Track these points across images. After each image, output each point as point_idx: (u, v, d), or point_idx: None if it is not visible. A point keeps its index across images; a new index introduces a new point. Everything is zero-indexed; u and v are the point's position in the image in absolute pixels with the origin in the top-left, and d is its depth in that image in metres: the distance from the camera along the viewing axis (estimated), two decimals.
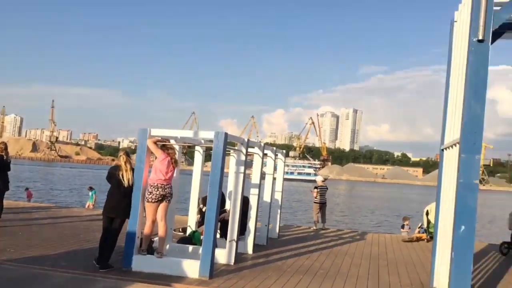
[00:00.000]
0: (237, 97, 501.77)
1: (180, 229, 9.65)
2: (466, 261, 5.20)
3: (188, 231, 8.70)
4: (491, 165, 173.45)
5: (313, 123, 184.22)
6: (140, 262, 6.52)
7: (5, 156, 9.41)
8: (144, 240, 6.74)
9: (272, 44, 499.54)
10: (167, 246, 7.28)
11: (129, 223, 6.60)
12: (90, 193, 18.66)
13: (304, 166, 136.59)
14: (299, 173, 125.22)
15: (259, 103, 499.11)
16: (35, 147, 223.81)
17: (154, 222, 6.67)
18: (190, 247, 7.59)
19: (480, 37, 5.16)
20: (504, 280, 7.40)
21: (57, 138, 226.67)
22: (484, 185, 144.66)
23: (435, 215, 7.07)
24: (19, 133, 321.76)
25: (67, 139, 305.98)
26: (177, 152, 7.19)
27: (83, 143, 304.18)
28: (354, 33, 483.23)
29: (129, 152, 7.22)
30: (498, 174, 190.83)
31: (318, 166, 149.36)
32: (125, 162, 6.70)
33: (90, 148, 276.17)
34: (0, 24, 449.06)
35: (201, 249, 6.61)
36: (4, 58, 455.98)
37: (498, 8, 5.32)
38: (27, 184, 32.46)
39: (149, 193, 6.56)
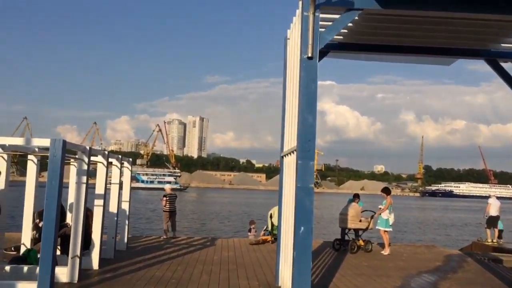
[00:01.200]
0: (76, 102, 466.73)
1: (13, 248, 8.59)
2: (306, 260, 5.67)
3: (22, 249, 7.80)
4: (323, 170, 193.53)
5: (160, 130, 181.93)
6: None
7: None
8: None
9: (114, 49, 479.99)
10: None
11: None
12: None
13: (164, 175, 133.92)
14: (159, 182, 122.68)
15: (102, 108, 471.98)
16: None
17: None
18: (25, 267, 6.84)
19: (309, 55, 5.72)
20: (338, 273, 8.31)
21: None
22: (318, 188, 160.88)
23: (278, 218, 7.59)
24: None
25: None
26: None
27: None
28: (198, 42, 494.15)
29: None
30: (329, 178, 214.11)
31: (179, 174, 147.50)
32: None
33: None
34: None
35: (38, 268, 5.98)
36: None
37: (323, 29, 5.99)
38: None
39: None
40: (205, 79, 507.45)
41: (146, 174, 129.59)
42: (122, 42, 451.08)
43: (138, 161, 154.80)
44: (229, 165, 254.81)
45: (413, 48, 7.89)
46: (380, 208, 11.29)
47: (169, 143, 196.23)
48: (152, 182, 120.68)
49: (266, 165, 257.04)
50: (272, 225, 12.02)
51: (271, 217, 12.26)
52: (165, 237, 12.40)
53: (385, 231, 11.16)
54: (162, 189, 14.11)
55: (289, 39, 7.41)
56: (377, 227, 11.38)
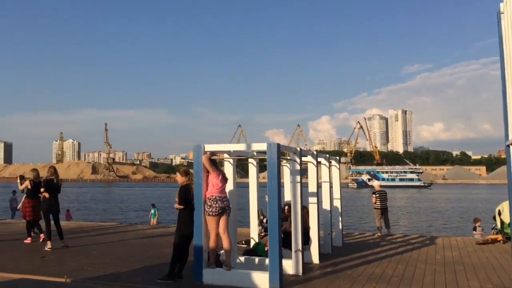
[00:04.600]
0: (281, 106, 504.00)
1: (243, 241, 9.68)
2: None
3: (251, 243, 8.71)
4: None
5: (361, 127, 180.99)
6: (210, 276, 6.59)
7: (55, 180, 9.95)
8: (211, 254, 6.80)
9: (311, 51, 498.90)
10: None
11: (195, 238, 6.69)
12: (152, 211, 19.07)
13: (405, 172, 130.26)
14: (401, 179, 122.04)
15: (303, 111, 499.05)
16: (94, 169, 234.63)
17: (217, 235, 6.73)
18: (256, 259, 7.59)
19: None
20: None
21: (113, 159, 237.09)
22: None
23: (510, 215, 6.62)
24: (78, 157, 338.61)
25: (123, 159, 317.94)
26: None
27: (138, 162, 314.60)
28: (394, 32, 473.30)
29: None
30: None
31: (421, 170, 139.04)
32: (193, 180, 6.87)
33: (145, 167, 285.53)
34: (48, 56, 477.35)
35: (267, 260, 6.58)
36: (55, 86, 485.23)
37: None
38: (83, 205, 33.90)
39: (209, 207, 6.64)
40: (404, 70, 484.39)
41: (386, 172, 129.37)
42: (313, 45, 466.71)
43: (342, 159, 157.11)
44: (440, 158, 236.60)
45: None
46: None
47: (371, 140, 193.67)
48: (393, 179, 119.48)
49: (485, 156, 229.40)
50: (502, 223, 10.61)
51: (499, 214, 10.84)
52: (379, 234, 12.21)
53: None
54: (404, 186, 13.78)
55: (502, 13, 6.42)
56: None
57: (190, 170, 7.25)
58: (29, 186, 10.71)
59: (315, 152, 8.74)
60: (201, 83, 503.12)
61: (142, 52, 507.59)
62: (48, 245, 9.52)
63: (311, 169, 8.48)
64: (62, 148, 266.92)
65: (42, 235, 10.61)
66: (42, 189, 9.75)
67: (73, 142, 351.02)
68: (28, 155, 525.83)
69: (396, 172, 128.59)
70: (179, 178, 7.03)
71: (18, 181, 11.54)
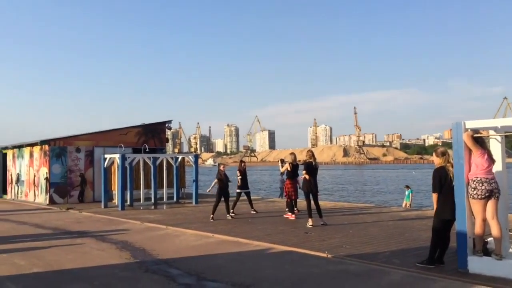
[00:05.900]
0: None
1: None
2: None
3: None
4: None
5: None
6: (477, 264, 6.01)
7: (313, 162, 10.72)
8: (477, 241, 6.18)
9: None
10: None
11: (458, 223, 6.20)
12: (406, 193, 18.63)
13: None
14: None
15: None
16: (345, 152, 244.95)
17: (484, 221, 6.06)
18: None
19: None
20: None
21: (363, 142, 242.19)
22: None
23: None
24: (330, 141, 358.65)
25: (372, 142, 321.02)
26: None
27: (388, 144, 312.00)
28: None
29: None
30: None
31: None
32: (449, 161, 6.41)
33: (396, 148, 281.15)
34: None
35: None
36: (305, 76, 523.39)
37: None
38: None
39: (473, 189, 6.03)
40: None
41: None
42: None
43: None
44: None
45: None
46: None
47: None
48: None
49: None
50: None
51: None
52: None
53: None
54: None
55: None
56: None
57: (448, 151, 6.76)
58: (288, 169, 12.01)
59: None
60: (457, 53, 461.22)
61: (390, 30, 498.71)
62: (310, 222, 10.45)
63: None
64: (316, 133, 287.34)
65: (289, 214, 11.81)
66: (304, 171, 10.73)
67: (325, 127, 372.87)
68: (287, 141, 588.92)
69: None
70: (435, 159, 6.67)
71: (279, 164, 13.01)
